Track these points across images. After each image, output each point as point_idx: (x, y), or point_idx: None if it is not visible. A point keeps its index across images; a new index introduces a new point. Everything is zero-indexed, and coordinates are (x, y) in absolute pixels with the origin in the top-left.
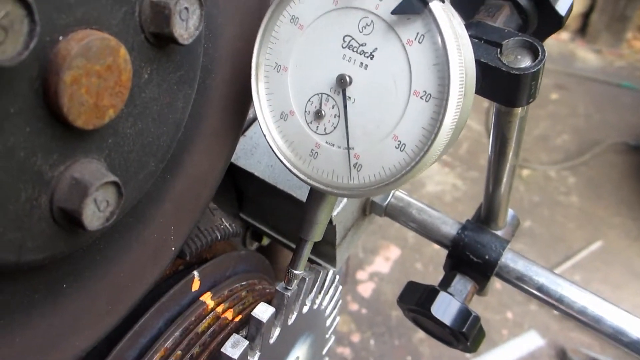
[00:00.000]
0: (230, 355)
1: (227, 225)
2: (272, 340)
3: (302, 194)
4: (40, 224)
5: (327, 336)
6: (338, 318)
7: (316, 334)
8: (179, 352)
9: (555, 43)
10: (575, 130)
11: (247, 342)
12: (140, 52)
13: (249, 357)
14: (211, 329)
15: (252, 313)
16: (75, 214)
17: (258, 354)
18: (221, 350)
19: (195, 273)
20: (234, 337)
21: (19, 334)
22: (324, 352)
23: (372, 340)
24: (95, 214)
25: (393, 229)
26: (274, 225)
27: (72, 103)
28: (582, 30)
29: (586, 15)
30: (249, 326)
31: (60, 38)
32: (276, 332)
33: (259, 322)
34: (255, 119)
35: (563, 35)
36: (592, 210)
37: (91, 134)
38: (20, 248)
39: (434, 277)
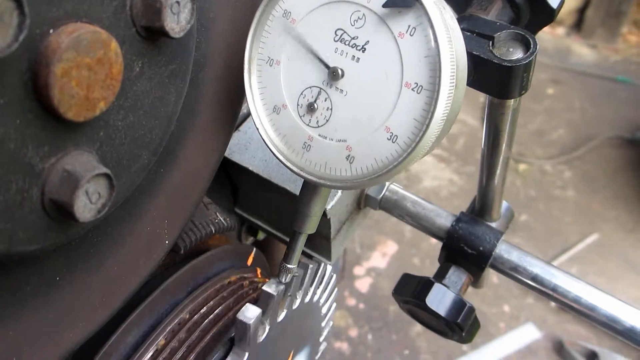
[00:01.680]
0: (244, 320)
1: (221, 219)
2: (279, 319)
3: (296, 188)
4: (31, 215)
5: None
6: (325, 344)
7: (311, 347)
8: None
9: (551, 38)
10: (571, 125)
11: (260, 310)
12: (131, 45)
13: (259, 330)
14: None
15: (263, 288)
16: (66, 206)
17: (267, 327)
18: (236, 316)
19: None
20: (248, 305)
21: (11, 327)
22: None
23: (370, 335)
24: (86, 205)
25: (390, 224)
26: (268, 220)
27: (62, 95)
28: (578, 25)
29: (581, 11)
30: (259, 300)
31: (51, 31)
32: (282, 314)
33: (270, 295)
34: (249, 114)
35: (559, 31)
36: (588, 203)
37: (82, 126)
38: (11, 239)
39: (431, 271)
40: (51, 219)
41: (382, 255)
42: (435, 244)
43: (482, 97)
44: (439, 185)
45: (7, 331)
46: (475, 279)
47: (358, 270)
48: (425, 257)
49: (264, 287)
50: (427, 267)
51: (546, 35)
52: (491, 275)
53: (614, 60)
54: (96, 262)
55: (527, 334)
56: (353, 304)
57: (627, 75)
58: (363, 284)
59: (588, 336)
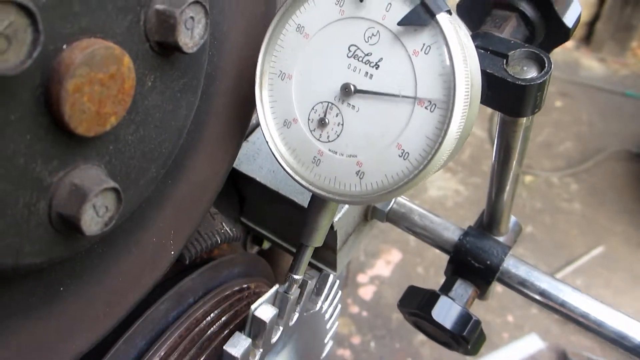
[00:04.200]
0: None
1: (227, 229)
2: (274, 340)
3: (303, 200)
4: (38, 229)
5: None
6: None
7: None
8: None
9: (560, 51)
10: (579, 138)
11: (249, 341)
12: (144, 60)
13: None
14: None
15: (254, 313)
16: (73, 220)
17: (260, 351)
18: (224, 347)
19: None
20: (236, 334)
21: (15, 337)
22: None
23: (373, 343)
24: (93, 219)
25: (394, 232)
26: (274, 230)
27: (73, 111)
28: (587, 38)
29: (591, 24)
30: (252, 325)
31: (64, 47)
32: (278, 333)
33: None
34: (258, 124)
35: (568, 44)
36: (594, 217)
37: (92, 141)
38: (18, 252)
39: (435, 280)
40: (58, 232)
41: (386, 263)
42: (440, 254)
43: (490, 109)
44: (445, 196)
45: (10, 341)
46: (482, 292)
47: (362, 278)
48: (429, 266)
49: (255, 313)
50: (432, 276)
51: (555, 48)
52: (496, 286)
53: (623, 75)
54: (101, 272)
55: (531, 344)
56: (356, 311)
57: (635, 90)
58: (366, 292)
59: (592, 347)
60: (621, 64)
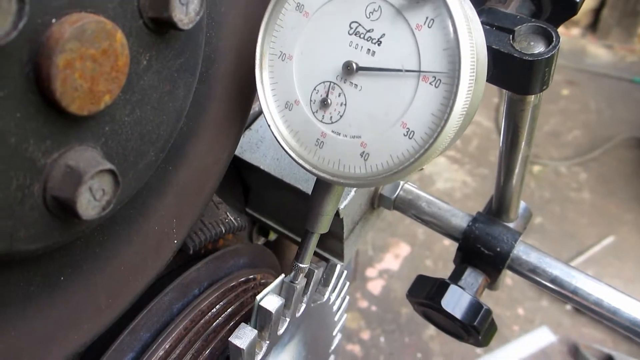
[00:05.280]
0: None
1: (232, 219)
2: (280, 331)
3: (308, 187)
4: (33, 212)
5: None
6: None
7: None
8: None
9: (566, 39)
10: (587, 126)
11: (255, 332)
12: (138, 37)
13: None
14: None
15: (260, 304)
16: (69, 203)
17: (267, 342)
18: (229, 339)
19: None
20: (242, 325)
21: (13, 328)
22: None
23: (382, 338)
24: (90, 202)
25: (402, 225)
26: (280, 220)
27: (65, 88)
28: (593, 25)
29: (597, 11)
30: (257, 316)
31: (53, 20)
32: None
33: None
34: (260, 112)
35: (574, 31)
36: (604, 206)
37: (86, 121)
38: (12, 237)
39: (444, 273)
40: (53, 216)
41: (395, 257)
42: (449, 246)
43: (496, 98)
44: (452, 187)
45: (9, 332)
46: (492, 280)
47: (370, 272)
48: (438, 259)
49: (261, 303)
50: (440, 269)
51: (561, 36)
52: (505, 277)
53: (630, 61)
54: (102, 262)
55: (542, 337)
56: (365, 306)
57: None
58: (375, 286)
59: (604, 339)
60: (628, 51)
